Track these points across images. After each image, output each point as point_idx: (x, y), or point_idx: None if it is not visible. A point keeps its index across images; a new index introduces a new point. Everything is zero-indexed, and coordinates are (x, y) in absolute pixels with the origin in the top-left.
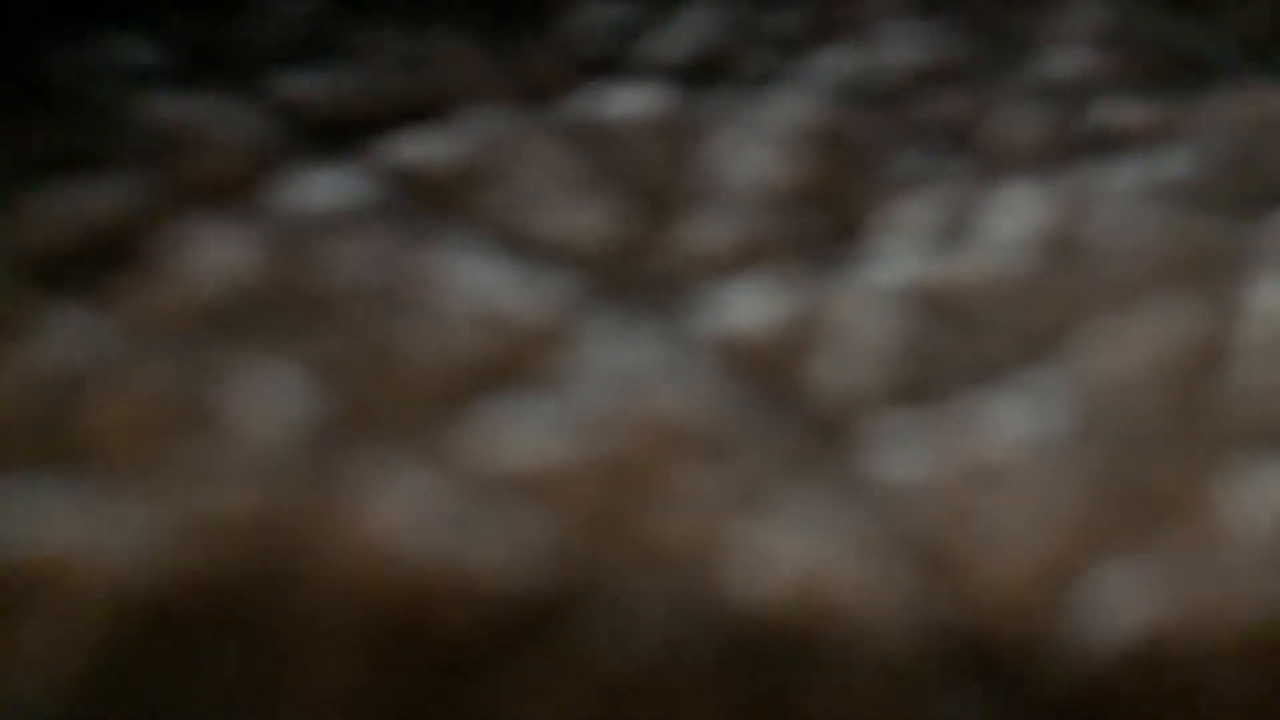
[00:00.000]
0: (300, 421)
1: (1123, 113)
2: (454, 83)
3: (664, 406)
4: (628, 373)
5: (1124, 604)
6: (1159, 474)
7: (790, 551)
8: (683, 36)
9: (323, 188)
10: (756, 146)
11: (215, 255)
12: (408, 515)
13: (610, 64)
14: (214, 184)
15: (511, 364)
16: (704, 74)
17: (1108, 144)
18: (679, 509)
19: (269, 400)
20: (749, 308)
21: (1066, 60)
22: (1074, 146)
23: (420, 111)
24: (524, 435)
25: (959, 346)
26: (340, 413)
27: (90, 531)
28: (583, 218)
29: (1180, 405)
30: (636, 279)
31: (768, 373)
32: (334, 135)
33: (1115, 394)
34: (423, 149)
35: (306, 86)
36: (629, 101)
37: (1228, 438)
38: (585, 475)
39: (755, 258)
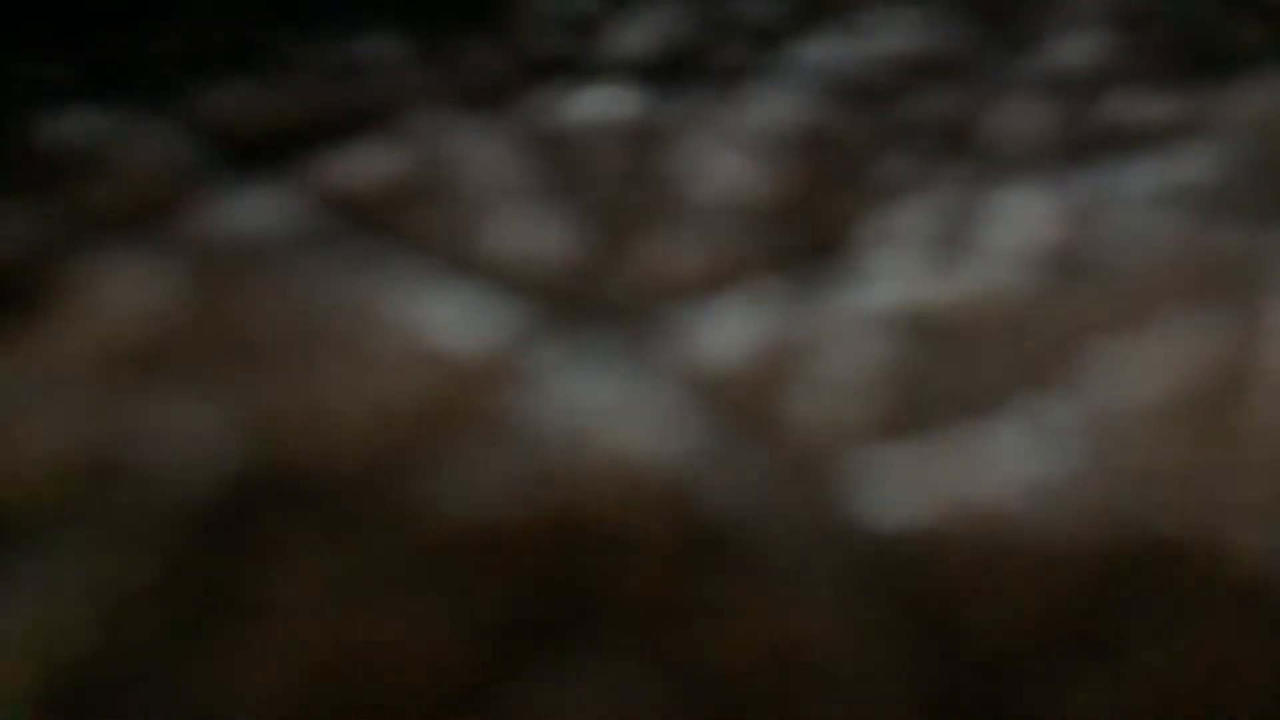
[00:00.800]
0: (220, 479)
1: (1137, 108)
2: (391, 90)
3: (624, 450)
4: (584, 413)
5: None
6: (1175, 518)
7: (762, 608)
8: (647, 31)
9: (246, 213)
10: (729, 153)
11: (127, 292)
12: (339, 584)
13: (566, 63)
14: (125, 211)
15: (454, 408)
16: (671, 72)
17: (1120, 143)
18: (642, 565)
19: (186, 456)
20: (720, 335)
21: (1075, 49)
22: (1082, 147)
23: (354, 124)
24: (470, 489)
25: (953, 375)
26: (265, 468)
27: None
28: (536, 237)
29: (1199, 440)
30: (595, 305)
31: (741, 408)
32: (258, 154)
33: (1126, 427)
34: (357, 165)
35: (227, 100)
36: (587, 105)
37: (1252, 477)
38: (538, 531)
39: (727, 279)
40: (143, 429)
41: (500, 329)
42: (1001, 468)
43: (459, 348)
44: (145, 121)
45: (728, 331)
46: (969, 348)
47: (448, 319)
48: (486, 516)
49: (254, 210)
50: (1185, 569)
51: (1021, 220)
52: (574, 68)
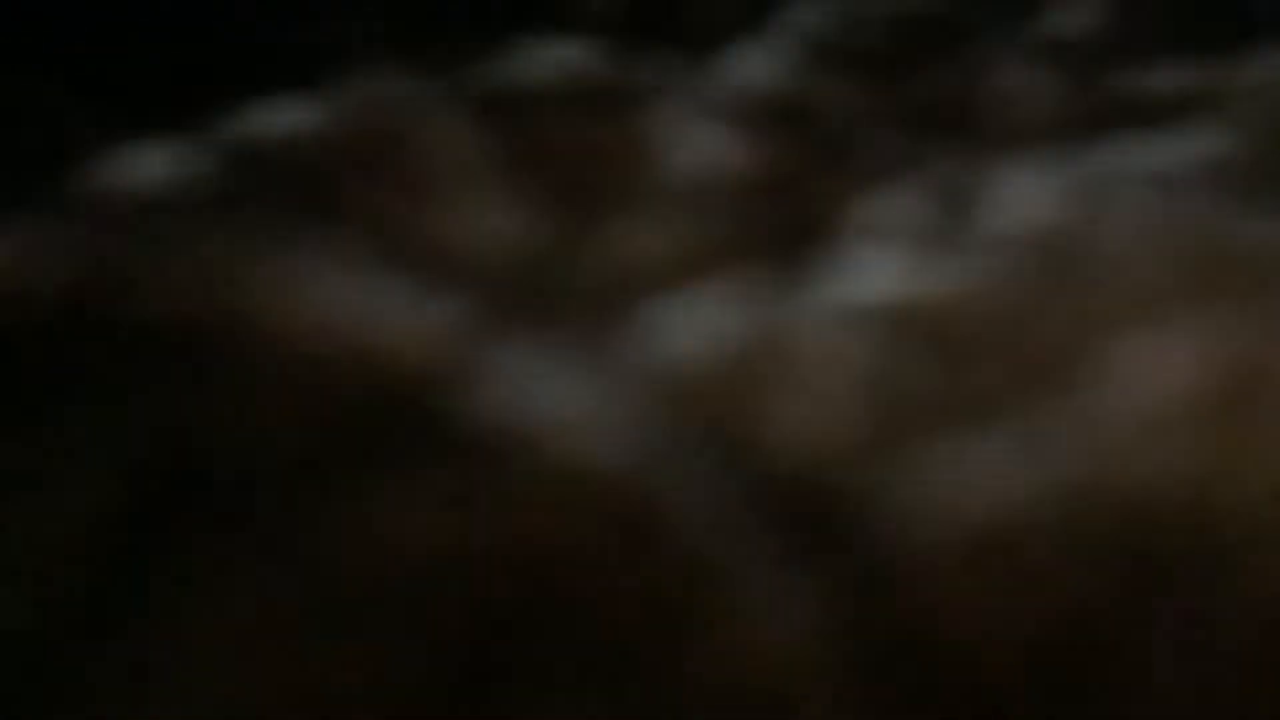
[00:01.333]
0: (125, 494)
1: (1148, 79)
2: (327, 40)
3: (580, 462)
4: (537, 419)
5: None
6: (1182, 532)
7: (736, 631)
8: None
9: (144, 170)
10: (703, 124)
11: (10, 260)
12: (262, 620)
13: (528, 17)
14: (9, 169)
15: (389, 416)
16: (640, 31)
17: (1125, 118)
18: (598, 589)
19: (75, 476)
20: (690, 333)
21: (1081, 14)
22: (1085, 122)
23: (280, 76)
24: (406, 514)
25: (943, 379)
26: (166, 488)
27: None
28: (488, 217)
29: (1213, 449)
30: (550, 297)
31: (711, 414)
32: (159, 105)
33: (1133, 435)
34: (279, 122)
35: (125, 46)
36: (550, 65)
37: (1266, 488)
38: (484, 553)
39: (698, 269)
40: (22, 445)
41: (445, 324)
42: (994, 482)
43: (396, 342)
44: (27, 71)
45: (698, 328)
46: (961, 348)
47: (384, 309)
48: (425, 538)
49: (151, 168)
50: (1193, 581)
51: (1019, 204)
52: (536, 23)
